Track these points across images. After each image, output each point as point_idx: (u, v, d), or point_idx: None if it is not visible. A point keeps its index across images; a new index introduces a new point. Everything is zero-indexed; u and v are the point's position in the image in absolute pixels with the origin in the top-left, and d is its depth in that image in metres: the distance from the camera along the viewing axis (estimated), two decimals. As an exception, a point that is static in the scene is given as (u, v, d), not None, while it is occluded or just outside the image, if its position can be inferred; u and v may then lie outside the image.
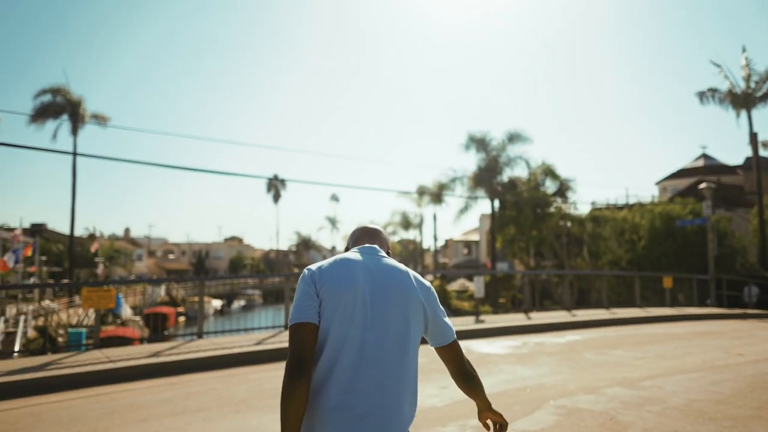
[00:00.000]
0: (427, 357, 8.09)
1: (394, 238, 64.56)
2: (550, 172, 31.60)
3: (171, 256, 76.57)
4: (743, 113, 25.61)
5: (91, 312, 17.35)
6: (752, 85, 25.64)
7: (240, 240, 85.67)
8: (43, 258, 36.65)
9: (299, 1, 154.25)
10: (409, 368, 1.68)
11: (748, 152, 27.36)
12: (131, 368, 7.00)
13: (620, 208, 33.31)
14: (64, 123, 32.51)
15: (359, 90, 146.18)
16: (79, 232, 48.73)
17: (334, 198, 76.81)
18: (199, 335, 9.69)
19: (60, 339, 20.15)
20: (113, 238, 62.48)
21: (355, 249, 1.86)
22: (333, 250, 75.15)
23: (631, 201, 35.77)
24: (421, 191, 44.00)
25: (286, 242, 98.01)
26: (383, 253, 1.85)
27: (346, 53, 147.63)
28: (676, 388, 5.92)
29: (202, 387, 6.39)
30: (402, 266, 1.81)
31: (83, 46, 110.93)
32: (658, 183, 43.12)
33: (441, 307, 1.83)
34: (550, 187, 32.08)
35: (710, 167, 39.60)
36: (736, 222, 27.36)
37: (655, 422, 4.66)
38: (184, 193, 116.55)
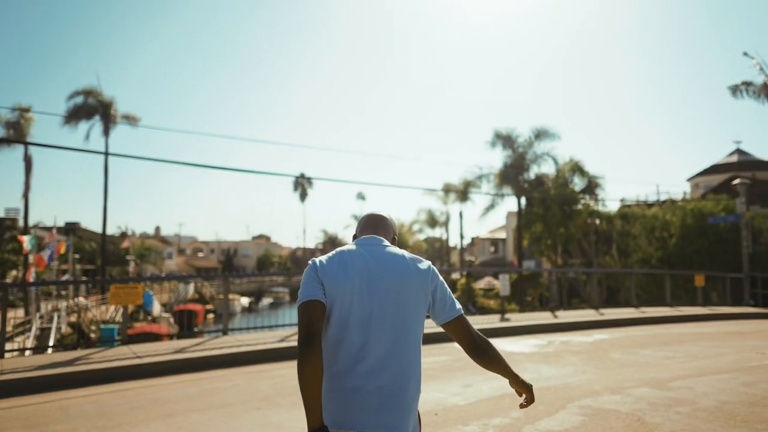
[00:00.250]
0: (451, 355, 8.13)
1: (420, 236, 64.50)
2: (578, 168, 31.05)
3: (200, 254, 77.74)
4: (780, 107, 24.84)
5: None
6: (789, 77, 24.83)
7: (267, 238, 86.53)
8: (77, 256, 37.57)
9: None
10: (411, 348, 1.78)
11: (785, 147, 26.54)
12: (157, 364, 7.13)
13: (650, 205, 32.59)
14: (96, 123, 33.20)
15: (386, 87, 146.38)
16: (112, 230, 50.00)
17: (360, 196, 76.91)
18: (224, 332, 9.81)
19: (92, 335, 20.66)
20: (144, 236, 63.84)
21: (357, 240, 1.98)
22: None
23: (662, 198, 35.03)
24: (447, 189, 43.81)
25: (312, 240, 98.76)
26: (384, 242, 1.95)
27: (372, 51, 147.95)
28: (706, 389, 5.74)
29: (226, 383, 6.45)
30: (399, 251, 1.91)
31: (109, 45, 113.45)
32: (689, 179, 42.03)
33: (445, 285, 1.90)
34: (578, 184, 31.52)
35: (745, 162, 38.40)
36: (771, 219, 26.58)
37: (683, 424, 4.52)
38: (213, 192, 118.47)
